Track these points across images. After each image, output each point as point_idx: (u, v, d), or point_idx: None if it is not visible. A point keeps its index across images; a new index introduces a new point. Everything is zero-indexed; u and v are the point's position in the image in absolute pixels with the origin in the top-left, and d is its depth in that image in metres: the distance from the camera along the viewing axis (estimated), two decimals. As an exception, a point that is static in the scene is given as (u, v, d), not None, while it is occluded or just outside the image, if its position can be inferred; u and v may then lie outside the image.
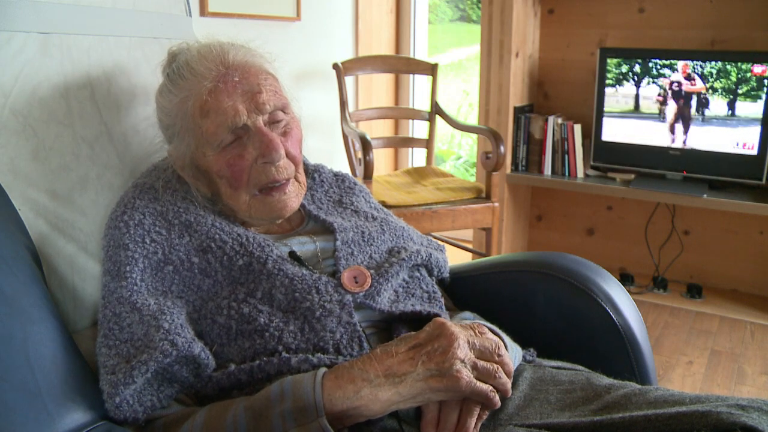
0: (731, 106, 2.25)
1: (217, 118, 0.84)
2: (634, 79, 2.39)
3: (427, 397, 0.69)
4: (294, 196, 0.91)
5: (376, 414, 0.68)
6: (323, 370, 0.70)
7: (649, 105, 2.39)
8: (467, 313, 0.97)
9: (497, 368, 0.72)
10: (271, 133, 0.86)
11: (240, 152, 0.86)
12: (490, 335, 0.77)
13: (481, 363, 0.71)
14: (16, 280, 0.73)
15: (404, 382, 0.68)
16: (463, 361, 0.70)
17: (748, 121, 2.23)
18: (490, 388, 0.71)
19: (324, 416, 0.65)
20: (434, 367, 0.69)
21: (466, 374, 0.69)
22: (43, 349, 0.71)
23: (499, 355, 0.74)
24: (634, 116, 2.43)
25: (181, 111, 0.87)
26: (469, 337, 0.73)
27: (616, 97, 2.42)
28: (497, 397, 0.71)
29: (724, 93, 2.26)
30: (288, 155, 0.89)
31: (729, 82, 2.24)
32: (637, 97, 2.41)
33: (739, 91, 2.23)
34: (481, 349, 0.73)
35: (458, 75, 3.78)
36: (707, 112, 2.30)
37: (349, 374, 0.68)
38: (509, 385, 0.74)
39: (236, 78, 0.86)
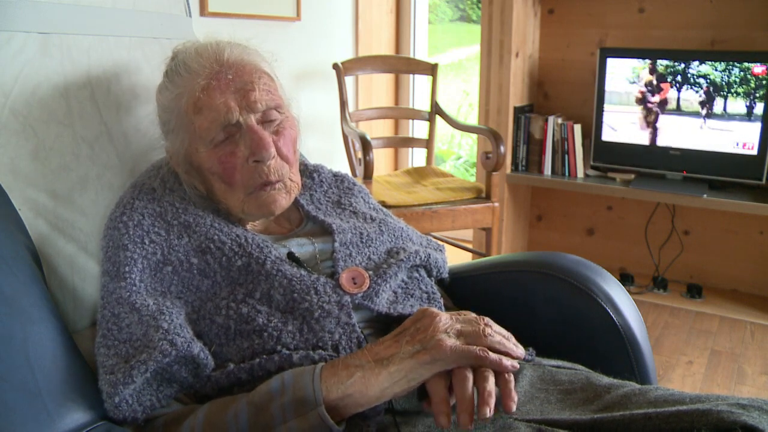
0: (731, 105, 2.25)
1: (210, 114, 0.84)
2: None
3: (419, 374, 0.68)
4: (285, 194, 0.90)
5: (372, 400, 0.68)
6: (323, 363, 0.71)
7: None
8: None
9: (483, 328, 0.72)
10: (263, 131, 0.86)
11: (232, 149, 0.86)
12: (473, 315, 0.76)
13: (466, 328, 0.72)
14: (16, 280, 0.73)
15: (392, 363, 0.68)
16: (445, 332, 0.71)
17: (748, 121, 2.23)
18: (479, 348, 0.69)
19: (323, 405, 0.65)
20: (418, 345, 0.69)
21: (450, 341, 0.69)
22: (43, 349, 0.71)
23: (486, 325, 0.73)
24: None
25: (176, 107, 0.88)
26: (452, 314, 0.74)
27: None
28: (492, 355, 0.69)
29: (724, 93, 2.26)
30: (280, 155, 0.88)
31: (729, 82, 2.24)
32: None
33: (739, 91, 2.23)
34: (464, 321, 0.73)
35: (458, 75, 3.78)
36: (708, 112, 2.30)
37: (343, 362, 0.70)
38: (508, 344, 0.73)
39: (230, 76, 0.86)
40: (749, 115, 2.22)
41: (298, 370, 0.70)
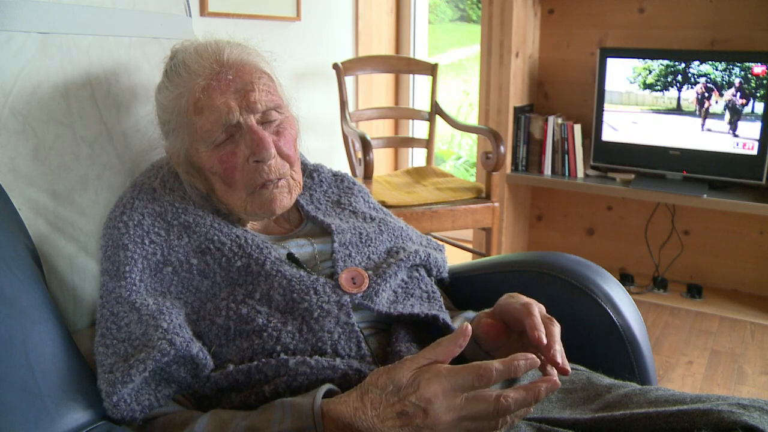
0: (731, 105, 2.25)
1: (211, 115, 0.84)
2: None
3: None
4: (287, 193, 0.90)
5: None
6: (322, 392, 0.69)
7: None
8: (470, 313, 0.97)
9: (492, 425, 0.63)
10: (263, 131, 0.86)
11: (232, 150, 0.86)
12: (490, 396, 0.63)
13: (474, 426, 0.63)
14: (16, 280, 0.73)
15: None
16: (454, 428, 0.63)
17: (748, 121, 2.23)
18: None
19: None
20: None
21: None
22: (43, 349, 0.71)
23: (499, 409, 0.63)
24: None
25: (176, 108, 0.88)
26: (461, 410, 0.63)
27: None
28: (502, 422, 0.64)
29: (723, 93, 2.26)
30: (281, 154, 0.88)
31: (729, 81, 2.24)
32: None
33: (739, 91, 2.23)
34: (480, 411, 0.63)
35: (458, 75, 3.78)
36: (708, 112, 2.30)
37: (349, 429, 0.66)
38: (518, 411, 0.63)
39: (230, 76, 0.86)
40: (749, 115, 2.22)
41: (297, 399, 0.69)
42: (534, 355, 0.65)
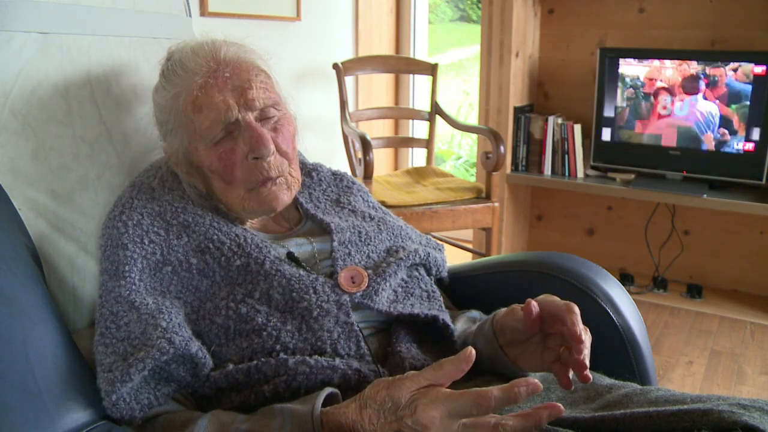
0: (730, 105, 2.25)
1: (210, 113, 0.85)
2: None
3: None
4: (286, 190, 0.90)
5: None
6: (321, 398, 0.69)
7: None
8: (474, 312, 0.97)
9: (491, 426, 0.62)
10: (261, 128, 0.86)
11: (231, 147, 0.86)
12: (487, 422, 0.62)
13: None
14: (16, 280, 0.73)
15: None
16: None
17: (748, 121, 2.22)
18: None
19: None
20: None
21: None
22: (43, 349, 0.71)
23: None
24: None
25: (174, 107, 0.88)
26: (457, 402, 0.62)
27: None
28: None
29: (723, 93, 2.26)
30: (279, 151, 0.88)
31: (728, 81, 2.24)
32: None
33: (739, 91, 2.23)
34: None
35: (458, 75, 3.78)
36: (707, 112, 2.30)
37: None
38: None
39: (227, 74, 0.86)
40: (749, 115, 2.22)
41: (296, 406, 0.69)
42: (536, 381, 0.63)
